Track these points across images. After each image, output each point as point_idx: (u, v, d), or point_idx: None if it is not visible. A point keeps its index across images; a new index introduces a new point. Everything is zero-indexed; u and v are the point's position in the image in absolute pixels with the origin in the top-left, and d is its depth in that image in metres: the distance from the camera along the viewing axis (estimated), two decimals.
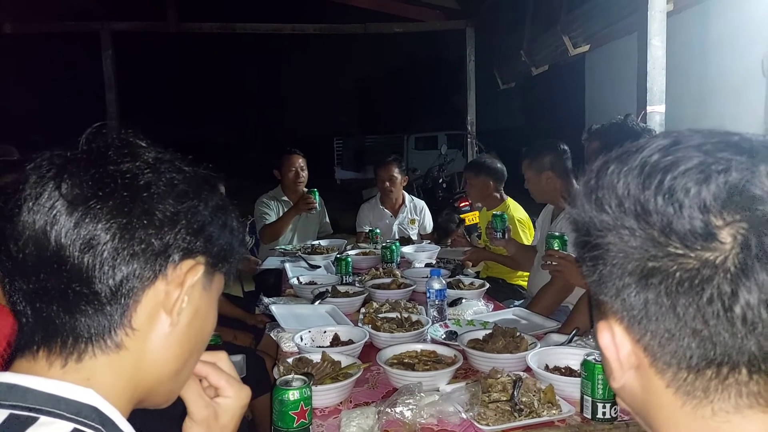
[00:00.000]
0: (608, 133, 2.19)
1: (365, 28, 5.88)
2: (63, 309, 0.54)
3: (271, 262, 3.35)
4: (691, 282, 0.42)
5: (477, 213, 3.51)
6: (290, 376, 1.27)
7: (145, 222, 0.55)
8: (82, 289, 0.54)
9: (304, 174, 3.86)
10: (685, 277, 0.42)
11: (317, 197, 3.60)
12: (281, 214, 3.74)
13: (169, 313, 0.58)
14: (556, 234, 2.16)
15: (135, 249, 0.55)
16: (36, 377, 0.54)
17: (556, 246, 2.10)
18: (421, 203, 4.16)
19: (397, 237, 3.86)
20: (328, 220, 4.11)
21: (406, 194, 4.11)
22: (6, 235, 0.55)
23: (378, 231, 3.66)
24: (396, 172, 3.95)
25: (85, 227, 0.53)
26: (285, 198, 3.83)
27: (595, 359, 1.25)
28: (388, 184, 3.94)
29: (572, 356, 1.50)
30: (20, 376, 0.54)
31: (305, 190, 3.78)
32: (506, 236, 2.86)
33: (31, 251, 0.54)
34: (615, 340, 0.49)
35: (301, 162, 3.85)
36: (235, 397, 0.71)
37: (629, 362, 0.48)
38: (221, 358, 0.73)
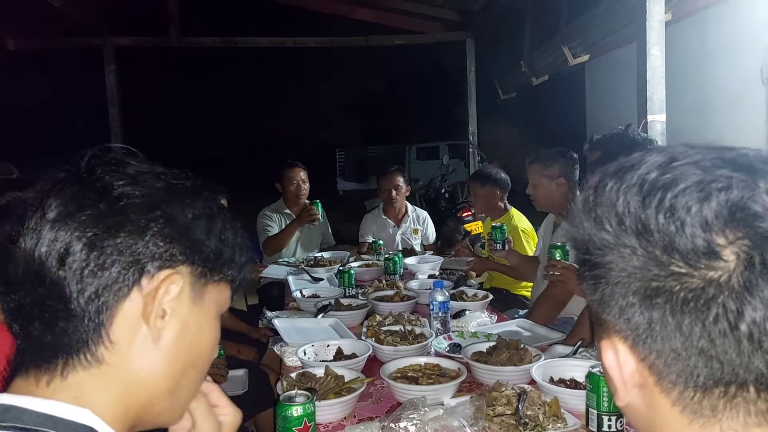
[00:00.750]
0: (610, 143, 2.19)
1: (366, 40, 5.93)
2: (44, 326, 0.54)
3: (273, 271, 3.36)
4: (696, 301, 0.42)
5: (480, 223, 3.51)
6: (293, 391, 1.27)
7: (114, 232, 0.54)
8: (57, 304, 0.53)
9: (306, 186, 3.87)
10: (689, 297, 0.42)
11: (320, 209, 3.61)
12: (284, 226, 3.75)
13: (149, 326, 0.56)
14: (558, 244, 2.16)
15: (105, 260, 0.54)
16: (32, 398, 0.54)
17: (558, 256, 2.10)
18: (424, 213, 4.17)
19: (400, 247, 3.87)
20: (330, 231, 4.11)
21: (408, 204, 4.12)
22: (6, 256, 0.55)
23: (381, 242, 3.66)
24: (399, 182, 3.97)
25: (60, 240, 0.53)
26: (287, 211, 3.84)
27: (600, 372, 1.24)
28: (393, 193, 3.95)
29: (577, 368, 1.49)
30: (16, 397, 0.54)
31: (307, 201, 3.79)
32: (506, 247, 2.86)
33: (20, 271, 0.54)
34: (618, 358, 0.48)
35: (302, 175, 3.86)
36: (233, 416, 0.71)
37: (633, 381, 0.48)
38: (213, 389, 0.71)
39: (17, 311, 0.55)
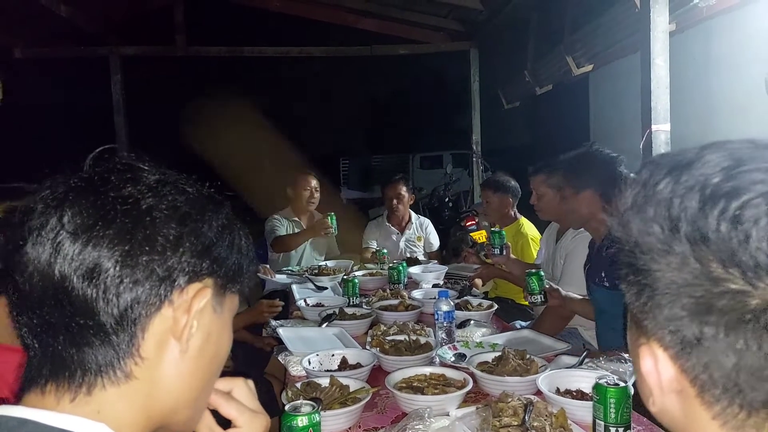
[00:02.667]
0: (574, 163, 2.21)
1: (371, 50, 5.96)
2: (69, 342, 0.53)
3: (277, 279, 3.36)
4: (754, 322, 0.39)
5: (484, 232, 3.51)
6: (299, 401, 1.26)
7: (147, 248, 0.54)
8: (86, 321, 0.53)
9: (317, 195, 3.89)
10: (747, 317, 0.39)
11: (334, 222, 3.60)
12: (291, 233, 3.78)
13: (178, 340, 0.56)
14: (533, 271, 2.27)
15: (138, 276, 0.53)
16: (47, 411, 0.53)
17: (533, 282, 2.23)
18: (427, 221, 4.20)
19: (404, 256, 3.88)
20: (336, 241, 4.12)
21: (412, 213, 4.14)
22: (13, 267, 0.54)
23: (386, 251, 3.66)
24: (403, 191, 4.00)
25: (87, 256, 0.52)
26: (296, 218, 3.86)
27: (607, 383, 1.23)
28: (395, 201, 3.97)
29: (583, 379, 1.49)
30: (31, 410, 0.53)
31: (318, 213, 3.82)
32: (504, 252, 2.86)
33: (37, 284, 0.53)
34: (657, 366, 0.47)
35: (315, 183, 3.89)
36: (245, 427, 0.69)
37: (671, 387, 0.46)
38: (237, 384, 0.70)
39: (40, 327, 0.54)
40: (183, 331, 0.56)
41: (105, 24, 5.33)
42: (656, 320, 0.45)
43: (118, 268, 0.52)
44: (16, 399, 0.57)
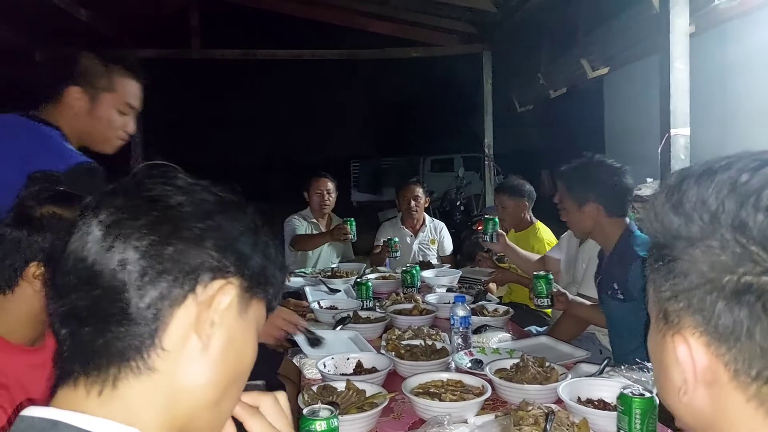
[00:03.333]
0: (575, 174, 2.18)
1: (384, 53, 5.96)
2: (96, 331, 0.54)
3: (291, 281, 3.36)
4: None
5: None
6: (317, 405, 1.25)
7: (173, 240, 0.55)
8: (113, 308, 0.54)
9: (332, 197, 3.92)
10: None
11: (353, 228, 3.60)
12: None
13: (200, 335, 0.57)
14: (542, 274, 2.24)
15: (164, 267, 0.54)
16: (80, 414, 0.53)
17: (541, 285, 2.20)
18: (441, 224, 4.19)
19: (417, 257, 3.88)
20: (351, 244, 4.13)
21: (426, 216, 4.14)
22: (54, 266, 0.56)
23: (397, 240, 3.66)
24: (419, 193, 4.00)
25: (117, 248, 0.54)
26: (314, 220, 3.90)
27: (632, 393, 1.20)
28: (412, 203, 3.98)
29: (605, 388, 1.46)
30: (63, 412, 0.53)
31: (338, 217, 3.84)
32: (496, 240, 2.85)
33: (72, 278, 0.55)
34: (692, 353, 0.48)
35: (329, 185, 3.90)
36: None
37: (704, 378, 0.48)
38: (266, 401, 0.69)
39: (69, 315, 0.55)
40: (204, 326, 0.57)
41: (123, 27, 5.39)
42: (690, 306, 0.48)
43: (145, 260, 0.54)
44: (50, 394, 0.58)
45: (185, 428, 0.58)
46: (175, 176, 0.60)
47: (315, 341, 1.80)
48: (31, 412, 0.54)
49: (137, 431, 0.53)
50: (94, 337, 0.54)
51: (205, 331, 0.57)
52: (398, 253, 3.66)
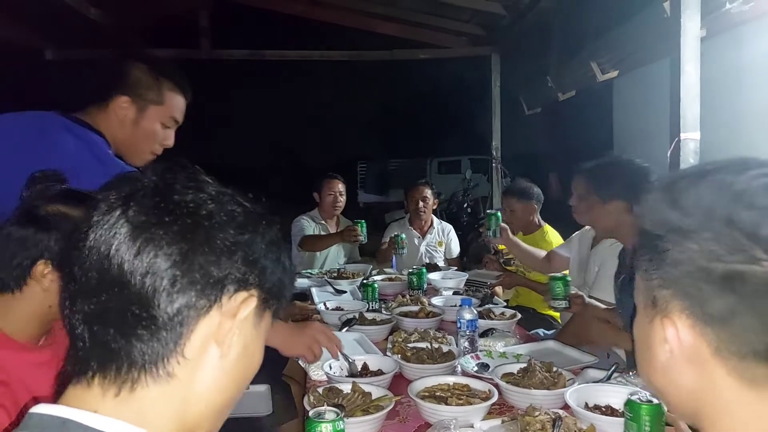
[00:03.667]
0: (598, 172, 2.16)
1: (392, 54, 5.96)
2: (120, 333, 0.54)
3: (297, 282, 3.36)
4: None
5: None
6: (323, 407, 1.25)
7: (205, 250, 0.55)
8: (141, 312, 0.54)
9: (342, 199, 3.93)
10: (764, 280, 0.49)
11: (364, 230, 3.59)
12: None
13: (220, 345, 0.57)
14: (559, 275, 2.24)
15: (194, 276, 0.55)
16: (91, 414, 0.53)
17: (559, 286, 2.20)
18: (449, 227, 4.19)
19: (424, 259, 3.87)
20: (357, 247, 4.13)
21: (434, 218, 4.14)
22: (72, 260, 0.56)
23: (404, 236, 3.66)
24: (428, 194, 4.01)
25: (148, 252, 0.54)
26: (322, 221, 3.90)
27: (640, 399, 1.19)
28: (420, 204, 3.98)
29: (613, 394, 1.44)
30: (73, 410, 0.53)
31: (346, 219, 3.83)
32: (499, 235, 2.82)
33: (94, 274, 0.55)
34: (679, 333, 0.55)
35: (340, 187, 3.92)
36: None
37: (687, 354, 0.54)
38: None
39: (94, 314, 0.55)
40: (226, 337, 0.57)
41: (132, 27, 5.42)
42: (680, 293, 0.54)
43: (176, 267, 0.54)
44: (57, 393, 0.57)
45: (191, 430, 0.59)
46: (205, 182, 0.60)
47: (354, 375, 1.76)
48: (40, 409, 0.54)
49: None
50: (118, 339, 0.55)
51: (225, 341, 0.58)
52: (404, 250, 3.65)
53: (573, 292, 2.22)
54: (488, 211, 2.90)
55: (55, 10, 4.34)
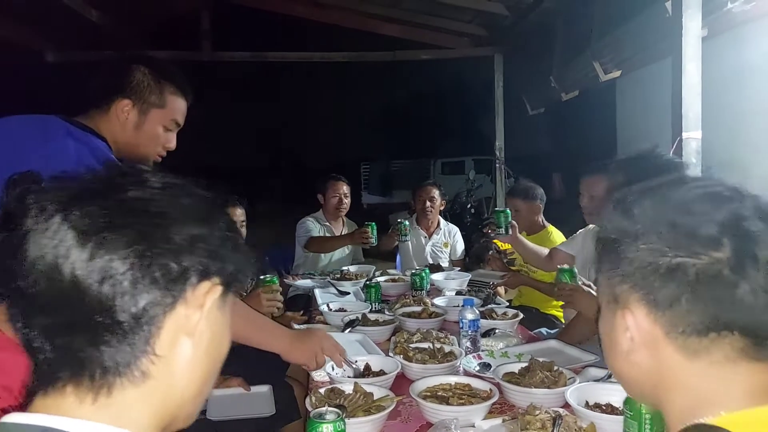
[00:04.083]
0: (634, 166, 2.13)
1: (394, 55, 5.96)
2: (87, 341, 0.54)
3: (300, 283, 3.37)
4: (705, 274, 0.59)
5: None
6: (324, 408, 1.25)
7: (163, 248, 0.55)
8: (105, 319, 0.53)
9: (347, 201, 3.92)
10: (701, 270, 0.59)
11: (374, 232, 3.57)
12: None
13: (191, 336, 0.58)
14: (566, 267, 2.22)
15: (155, 276, 0.54)
16: (70, 419, 0.53)
17: (566, 279, 2.18)
18: (455, 229, 4.20)
19: (429, 259, 3.88)
20: (361, 248, 4.13)
21: (441, 219, 4.14)
22: (12, 274, 0.54)
23: (407, 223, 3.66)
24: (436, 194, 4.02)
25: (101, 257, 0.52)
26: (327, 223, 3.89)
27: None
28: (428, 204, 3.98)
29: (613, 392, 1.44)
30: (52, 417, 0.53)
31: (351, 222, 3.83)
32: (510, 232, 2.80)
33: (45, 286, 0.53)
34: (637, 321, 0.64)
35: (345, 189, 3.91)
36: None
37: (645, 339, 0.64)
38: None
39: (55, 327, 0.54)
40: (195, 328, 0.58)
41: (133, 29, 5.44)
42: (635, 286, 0.63)
43: (135, 270, 0.53)
44: (24, 405, 0.56)
45: (169, 424, 0.60)
46: (149, 175, 0.59)
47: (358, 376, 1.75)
48: (14, 418, 0.53)
49: None
50: (85, 348, 0.54)
51: (195, 333, 0.58)
52: (407, 237, 3.66)
53: (579, 283, 2.20)
54: (497, 208, 2.87)
55: (55, 12, 4.36)
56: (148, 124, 1.57)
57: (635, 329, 0.64)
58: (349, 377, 1.71)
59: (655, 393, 0.66)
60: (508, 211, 2.88)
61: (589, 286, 2.16)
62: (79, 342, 0.53)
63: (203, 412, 2.01)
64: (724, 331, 0.60)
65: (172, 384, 0.58)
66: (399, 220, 3.73)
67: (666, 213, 0.62)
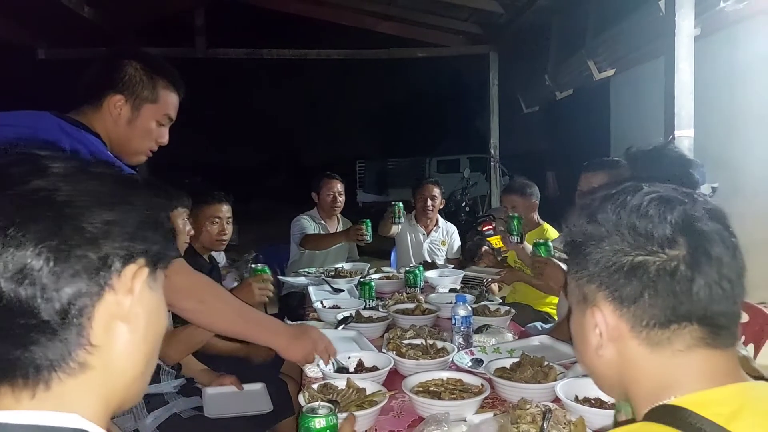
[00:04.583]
0: (644, 159, 2.13)
1: (389, 53, 5.97)
2: (14, 345, 0.51)
3: (293, 280, 3.37)
4: (664, 270, 0.65)
5: (500, 237, 3.48)
6: (316, 403, 1.26)
7: (77, 239, 0.52)
8: (29, 321, 0.51)
9: (342, 199, 3.91)
10: (660, 267, 0.65)
11: (369, 230, 3.57)
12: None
13: (126, 321, 0.57)
14: (542, 241, 2.34)
15: (74, 268, 0.52)
16: (12, 411, 0.52)
17: (542, 252, 2.30)
18: (453, 228, 4.22)
19: (426, 257, 3.89)
20: (356, 246, 4.13)
21: (440, 218, 4.15)
22: None
23: (401, 205, 3.66)
24: (436, 193, 4.02)
25: (11, 258, 0.49)
26: (322, 221, 3.88)
27: None
28: (428, 202, 3.98)
29: None
30: None
31: (346, 219, 3.83)
32: (524, 240, 2.81)
33: None
34: (605, 317, 0.69)
35: (339, 187, 3.90)
36: None
37: (612, 334, 0.69)
38: None
39: None
40: (129, 312, 0.57)
41: (127, 26, 5.42)
42: (601, 285, 0.68)
43: (51, 265, 0.51)
44: None
45: (119, 404, 0.60)
46: (45, 160, 0.55)
47: (341, 370, 1.77)
48: None
49: (77, 416, 0.53)
50: (13, 351, 0.52)
51: (129, 317, 0.57)
52: (402, 219, 3.65)
53: (556, 255, 2.25)
54: (510, 215, 2.82)
55: (48, 9, 4.34)
56: (141, 119, 1.57)
57: (603, 325, 0.69)
58: (333, 371, 1.71)
59: (622, 384, 0.71)
60: (521, 217, 2.84)
61: (563, 261, 2.18)
62: (5, 348, 0.51)
63: (200, 409, 2.02)
64: (684, 322, 0.65)
65: (113, 369, 0.57)
66: (392, 203, 3.72)
67: (626, 216, 0.67)
